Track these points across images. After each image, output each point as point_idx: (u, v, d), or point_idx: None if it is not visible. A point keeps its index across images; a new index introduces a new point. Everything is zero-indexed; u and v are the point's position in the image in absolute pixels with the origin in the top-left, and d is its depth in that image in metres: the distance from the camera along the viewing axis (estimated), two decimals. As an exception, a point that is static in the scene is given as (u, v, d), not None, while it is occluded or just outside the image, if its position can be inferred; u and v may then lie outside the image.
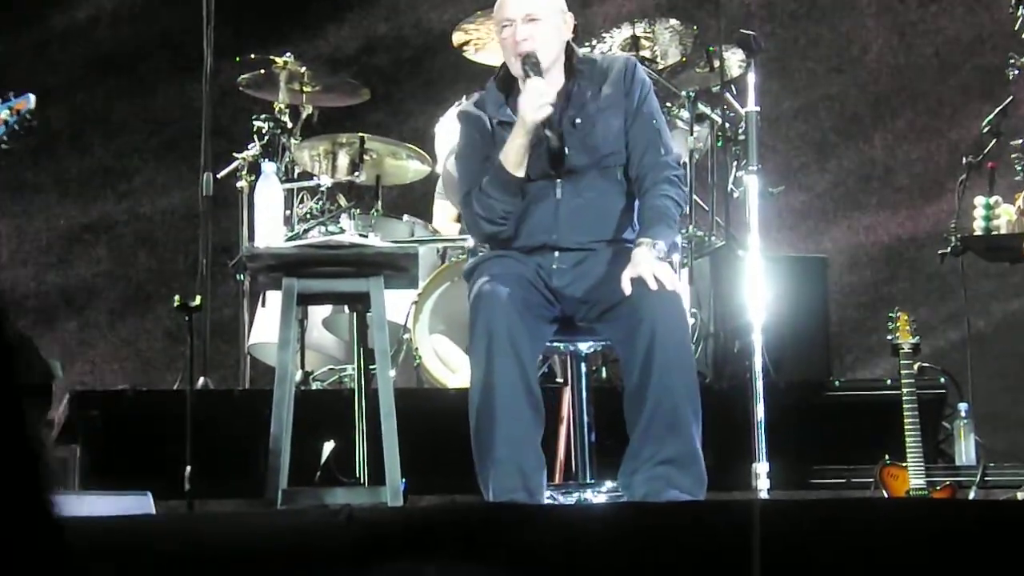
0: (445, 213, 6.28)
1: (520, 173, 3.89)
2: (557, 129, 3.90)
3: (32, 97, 5.02)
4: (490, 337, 3.72)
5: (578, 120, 3.95)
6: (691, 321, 5.54)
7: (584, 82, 4.01)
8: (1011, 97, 5.23)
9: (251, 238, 4.27)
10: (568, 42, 4.04)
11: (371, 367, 4.32)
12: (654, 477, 3.70)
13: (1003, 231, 5.13)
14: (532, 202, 3.94)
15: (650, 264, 3.74)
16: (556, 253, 3.92)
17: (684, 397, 3.72)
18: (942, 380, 5.52)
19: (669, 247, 3.83)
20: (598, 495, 3.94)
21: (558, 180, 3.94)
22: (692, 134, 5.95)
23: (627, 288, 3.73)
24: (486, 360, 3.73)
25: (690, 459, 3.72)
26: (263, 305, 5.91)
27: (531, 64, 3.87)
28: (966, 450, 5.27)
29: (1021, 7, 5.12)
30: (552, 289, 3.89)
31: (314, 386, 5.73)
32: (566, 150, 3.92)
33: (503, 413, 3.71)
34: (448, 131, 5.87)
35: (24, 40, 7.52)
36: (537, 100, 3.82)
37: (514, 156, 3.88)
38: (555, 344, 4.08)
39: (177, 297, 4.78)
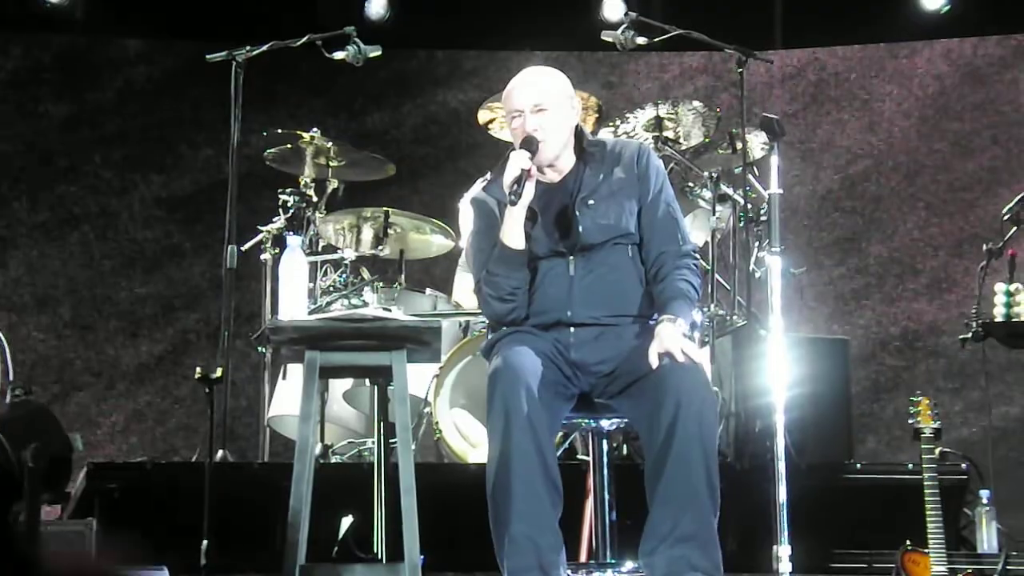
0: (467, 286, 6.30)
1: (519, 246, 3.94)
2: (550, 209, 3.98)
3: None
4: (507, 414, 3.72)
5: (591, 201, 3.99)
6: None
7: (595, 164, 4.06)
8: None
9: (274, 311, 4.28)
10: (578, 125, 4.10)
11: (391, 441, 4.31)
12: (674, 558, 3.68)
13: (1023, 318, 5.13)
14: (546, 279, 3.98)
15: (676, 339, 3.77)
16: (572, 329, 3.93)
17: (704, 473, 3.70)
18: (963, 466, 5.48)
19: (690, 325, 3.86)
20: (619, 575, 3.91)
21: (571, 257, 3.97)
22: (715, 214, 5.98)
23: (654, 362, 3.75)
24: (503, 437, 3.73)
25: (707, 537, 3.70)
26: (284, 378, 5.93)
27: (526, 144, 3.95)
28: (988, 537, 5.23)
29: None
30: (572, 363, 3.89)
31: (333, 460, 5.72)
32: (579, 228, 3.96)
33: (519, 490, 3.70)
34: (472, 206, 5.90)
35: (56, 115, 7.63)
36: (513, 170, 3.89)
37: (509, 230, 3.94)
38: (575, 420, 4.07)
39: (199, 369, 4.79)
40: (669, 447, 3.70)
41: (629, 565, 3.89)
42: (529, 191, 3.91)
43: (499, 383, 3.77)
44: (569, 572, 3.87)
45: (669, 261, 3.96)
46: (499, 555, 3.74)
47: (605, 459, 4.05)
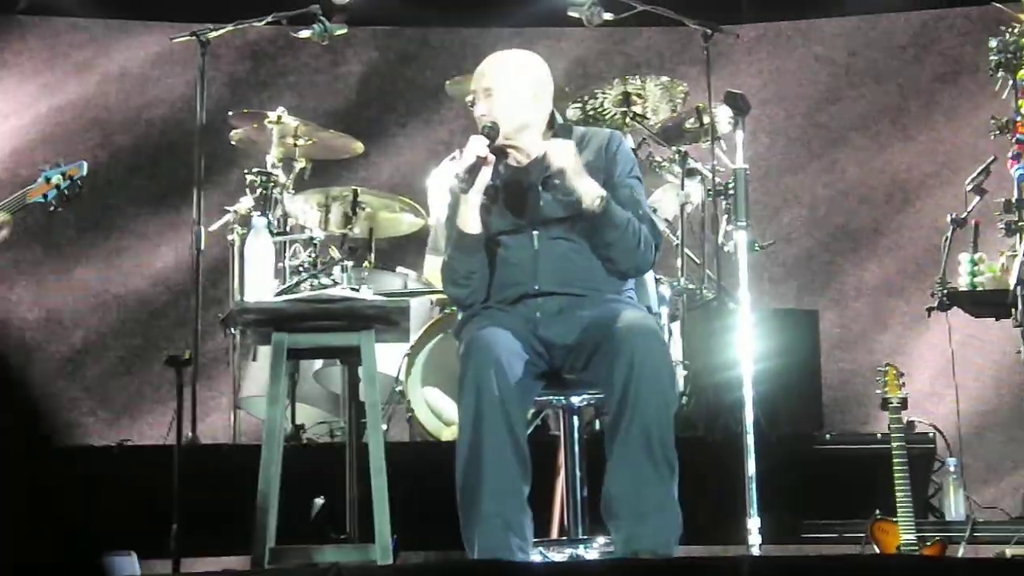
0: (437, 265, 6.29)
1: (474, 231, 3.96)
2: (510, 186, 4.04)
3: (84, 164, 5.16)
4: (478, 391, 3.73)
5: (556, 180, 4.00)
6: (683, 373, 5.55)
7: None
8: (994, 156, 5.28)
9: (242, 292, 4.28)
10: (553, 112, 4.12)
11: (362, 421, 4.31)
12: (633, 533, 3.69)
13: (987, 287, 5.17)
14: (510, 254, 4.00)
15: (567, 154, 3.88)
16: (539, 300, 3.95)
17: (658, 434, 3.69)
18: (931, 435, 5.53)
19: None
20: (590, 551, 3.93)
21: (534, 231, 4.00)
22: (683, 188, 5.99)
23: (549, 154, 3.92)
24: (474, 415, 3.74)
25: (666, 505, 3.72)
26: (254, 359, 5.92)
27: (487, 131, 3.99)
28: (955, 505, 5.28)
29: (1001, 70, 5.18)
30: (541, 339, 3.91)
31: (305, 440, 5.72)
32: (541, 203, 3.99)
33: (490, 467, 3.71)
34: (440, 184, 5.90)
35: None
36: (468, 157, 3.92)
37: (464, 216, 3.97)
38: (546, 398, 4.08)
39: (167, 351, 4.78)
40: (623, 410, 3.70)
41: (600, 541, 3.91)
42: (484, 178, 3.94)
43: (471, 359, 3.78)
44: (540, 549, 3.89)
45: None
46: (466, 532, 3.75)
47: (576, 436, 4.06)
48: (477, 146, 3.93)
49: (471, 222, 3.97)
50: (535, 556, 3.83)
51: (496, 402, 3.72)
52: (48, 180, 5.21)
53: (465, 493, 3.75)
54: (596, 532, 3.95)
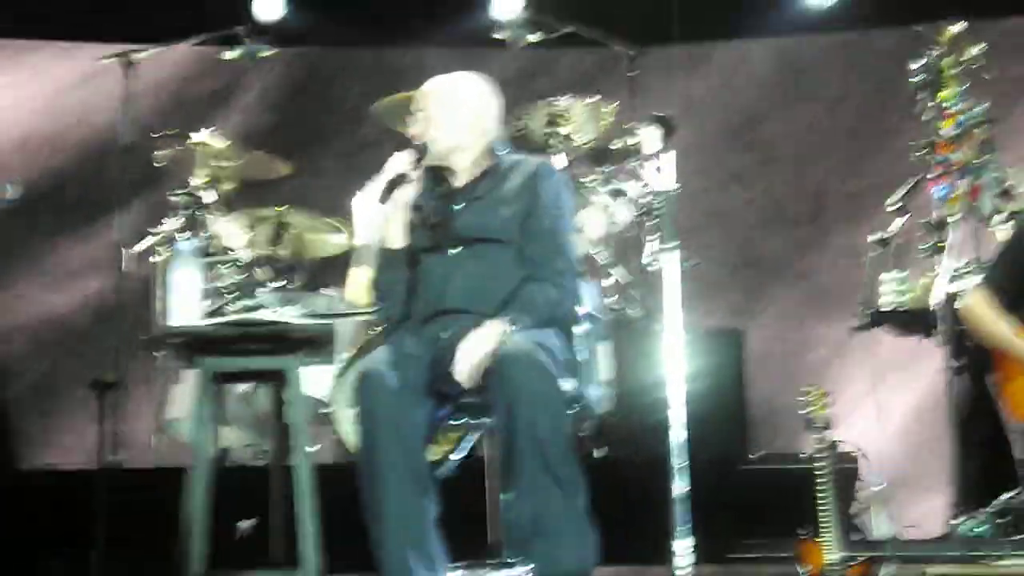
0: (359, 278, 6.26)
1: (392, 245, 4.03)
2: (431, 205, 4.08)
3: (13, 187, 5.06)
4: (370, 420, 3.77)
5: (476, 203, 4.06)
6: (610, 394, 5.56)
7: (496, 174, 4.14)
8: (918, 176, 5.36)
9: (166, 315, 4.24)
10: (491, 140, 4.15)
11: (289, 443, 4.28)
12: (539, 555, 3.70)
13: (911, 306, 5.24)
14: (427, 272, 4.05)
15: (473, 351, 3.79)
16: (447, 319, 3.97)
17: (557, 452, 3.70)
18: (855, 454, 5.57)
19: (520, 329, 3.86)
20: (511, 573, 3.92)
21: (451, 251, 4.03)
22: (609, 209, 6.01)
23: (458, 367, 3.79)
24: (368, 444, 3.78)
25: (576, 518, 3.72)
26: (179, 381, 5.87)
27: (415, 148, 4.05)
28: (880, 524, 5.32)
29: (922, 91, 5.27)
30: (443, 361, 3.90)
31: (231, 463, 5.67)
32: (458, 224, 4.05)
33: (389, 495, 3.75)
34: (366, 204, 5.88)
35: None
36: (387, 173, 3.99)
37: (385, 230, 4.05)
38: (461, 420, 4.08)
39: (92, 375, 4.73)
40: (514, 436, 3.70)
41: (528, 565, 3.90)
42: (404, 194, 3.98)
43: (362, 389, 3.81)
44: (462, 571, 3.89)
45: (539, 273, 4.00)
46: (375, 558, 3.77)
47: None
48: (398, 163, 3.98)
49: (391, 237, 4.02)
50: None
51: (389, 429, 3.76)
52: None
53: (370, 521, 3.78)
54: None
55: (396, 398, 3.77)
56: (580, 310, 4.10)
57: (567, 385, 3.93)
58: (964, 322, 4.78)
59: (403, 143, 4.11)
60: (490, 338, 3.80)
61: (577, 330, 4.08)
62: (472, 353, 3.80)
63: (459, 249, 4.03)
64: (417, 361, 3.88)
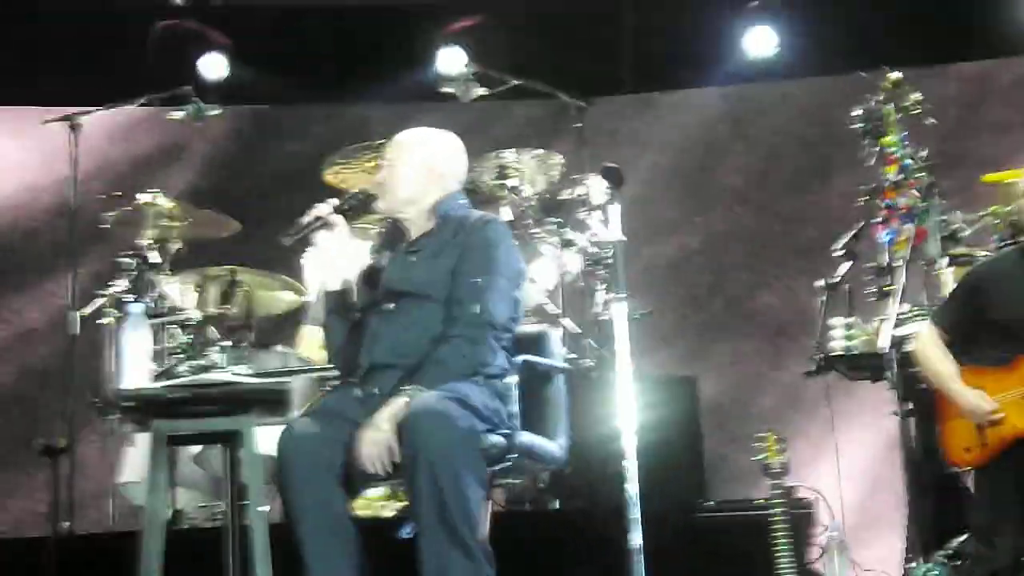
0: (313, 341, 6.24)
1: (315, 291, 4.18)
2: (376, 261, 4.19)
3: None
4: (290, 489, 3.86)
5: (412, 258, 4.13)
6: (563, 444, 5.56)
7: (443, 229, 4.17)
8: (863, 222, 5.41)
9: (116, 378, 4.20)
10: (450, 195, 4.20)
11: (244, 503, 4.25)
12: None
13: (862, 350, 5.27)
14: (364, 328, 4.11)
15: (373, 440, 3.80)
16: (376, 374, 4.00)
17: (458, 513, 3.69)
18: (812, 499, 5.58)
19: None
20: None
21: (385, 306, 4.08)
22: (560, 259, 6.03)
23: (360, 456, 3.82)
24: (290, 513, 3.87)
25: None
26: (131, 444, 5.81)
27: (351, 197, 4.22)
28: (839, 568, 5.33)
29: (867, 137, 5.33)
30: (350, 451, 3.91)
31: (185, 524, 5.61)
32: (389, 280, 4.11)
33: (313, 559, 3.82)
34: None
35: None
36: (310, 214, 4.13)
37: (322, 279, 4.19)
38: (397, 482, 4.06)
39: (41, 440, 4.67)
40: (412, 491, 3.73)
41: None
42: (323, 239, 4.11)
43: (279, 459, 3.90)
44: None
45: (453, 325, 4.00)
46: None
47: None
48: (322, 208, 4.10)
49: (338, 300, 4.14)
50: None
51: (308, 496, 3.83)
52: None
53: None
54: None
55: (309, 467, 3.83)
56: (503, 362, 4.08)
57: (493, 437, 3.95)
58: (914, 363, 4.82)
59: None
60: (390, 418, 3.81)
61: (506, 381, 4.06)
62: (371, 440, 3.81)
63: (392, 305, 4.07)
64: (336, 423, 3.92)
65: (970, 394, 4.63)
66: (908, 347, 4.83)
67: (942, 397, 4.73)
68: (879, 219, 5.32)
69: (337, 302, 4.17)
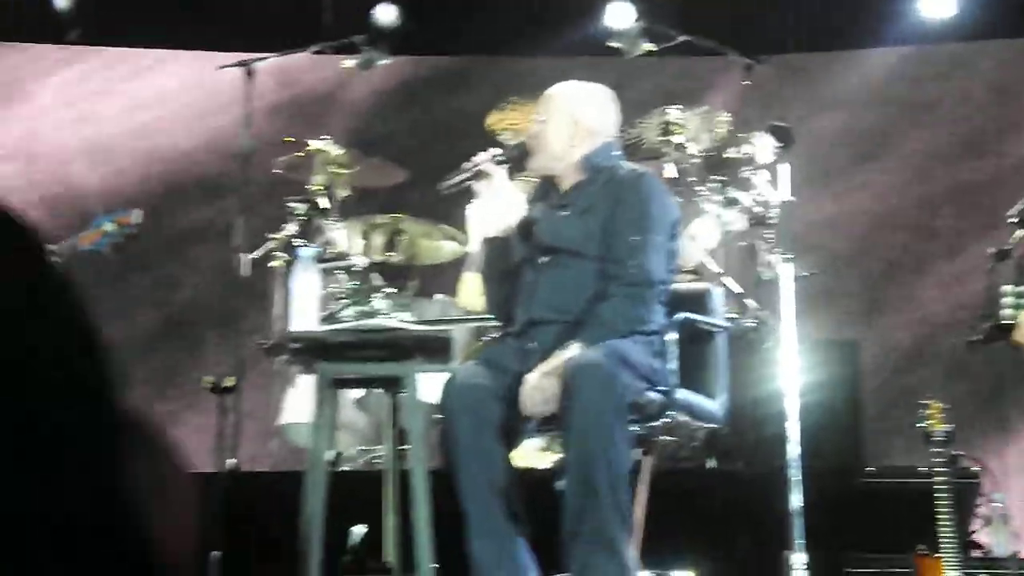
0: (473, 290, 6.29)
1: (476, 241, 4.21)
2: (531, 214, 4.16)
3: (137, 212, 5.15)
4: (451, 438, 3.87)
5: (564, 212, 4.12)
6: (723, 403, 5.53)
7: (593, 183, 4.15)
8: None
9: (285, 320, 4.29)
10: (604, 146, 4.19)
11: (405, 448, 4.31)
12: (581, 561, 3.70)
13: (1031, 320, 5.12)
14: (523, 281, 4.13)
15: (537, 387, 3.82)
16: (536, 329, 4.02)
17: (598, 468, 3.69)
18: (976, 469, 5.47)
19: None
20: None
21: (540, 259, 4.10)
22: (722, 218, 5.98)
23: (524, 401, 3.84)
24: (451, 461, 3.88)
25: (609, 541, 3.70)
26: (294, 386, 5.93)
27: (509, 151, 4.23)
28: (1002, 541, 5.22)
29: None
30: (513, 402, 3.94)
31: (345, 467, 5.71)
32: (543, 235, 4.12)
33: (472, 510, 3.84)
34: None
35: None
36: (467, 163, 4.15)
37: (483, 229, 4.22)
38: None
39: (210, 378, 4.77)
40: (567, 445, 3.77)
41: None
42: (483, 188, 4.13)
43: (443, 405, 3.91)
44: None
45: (612, 286, 3.98)
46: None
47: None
48: (482, 157, 4.10)
49: (495, 252, 4.15)
50: None
51: (469, 445, 3.83)
52: (99, 227, 5.19)
53: (466, 532, 3.86)
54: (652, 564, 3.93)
55: (472, 415, 3.85)
56: (661, 318, 4.07)
57: (651, 394, 3.94)
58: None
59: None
60: (554, 369, 3.82)
61: (665, 338, 4.05)
62: (535, 387, 3.83)
63: (547, 259, 4.08)
64: (498, 374, 3.95)
65: None
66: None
67: None
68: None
69: (496, 252, 4.19)
